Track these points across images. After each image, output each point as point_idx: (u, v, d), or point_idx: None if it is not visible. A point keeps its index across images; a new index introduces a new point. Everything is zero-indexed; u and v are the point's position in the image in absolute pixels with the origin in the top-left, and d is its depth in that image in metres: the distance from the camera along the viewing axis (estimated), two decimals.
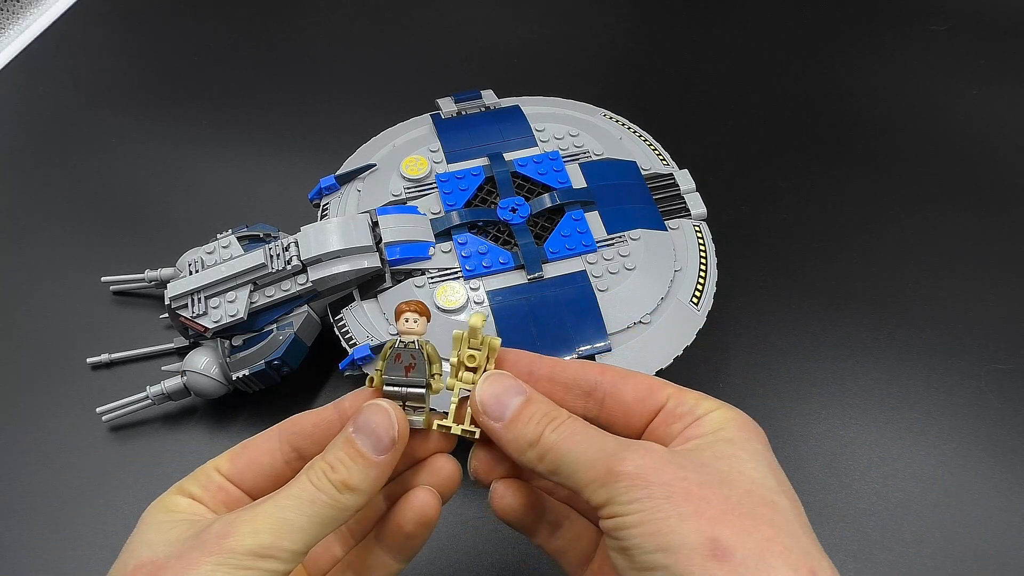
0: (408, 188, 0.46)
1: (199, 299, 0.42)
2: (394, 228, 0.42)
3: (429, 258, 0.42)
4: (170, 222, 0.56)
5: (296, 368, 0.43)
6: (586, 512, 0.30)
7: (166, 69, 0.67)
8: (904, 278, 0.52)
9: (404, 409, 0.27)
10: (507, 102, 0.51)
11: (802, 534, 0.23)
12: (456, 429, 0.28)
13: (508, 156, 0.47)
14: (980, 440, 0.45)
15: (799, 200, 0.56)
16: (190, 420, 0.46)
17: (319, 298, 0.43)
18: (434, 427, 0.28)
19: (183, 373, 0.43)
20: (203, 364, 0.43)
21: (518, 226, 0.43)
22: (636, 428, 0.27)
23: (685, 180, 0.47)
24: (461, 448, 0.29)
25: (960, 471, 0.44)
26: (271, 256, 0.42)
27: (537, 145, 0.48)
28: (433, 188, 0.45)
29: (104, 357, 0.48)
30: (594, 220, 0.44)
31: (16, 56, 0.68)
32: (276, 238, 0.46)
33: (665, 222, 0.45)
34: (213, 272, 0.42)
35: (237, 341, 0.43)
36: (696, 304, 0.42)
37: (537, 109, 0.50)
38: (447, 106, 0.50)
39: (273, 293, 0.42)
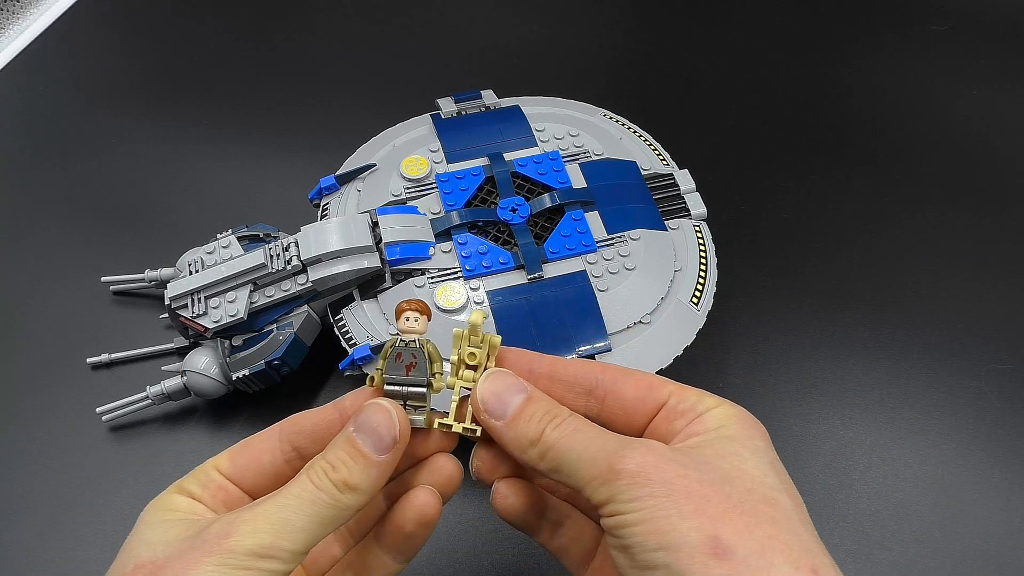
0: (408, 188, 0.46)
1: (199, 299, 0.42)
2: (394, 228, 0.42)
3: (429, 258, 0.42)
4: (170, 222, 0.56)
5: (296, 368, 0.43)
6: (587, 510, 0.30)
7: (166, 69, 0.67)
8: (904, 278, 0.52)
9: (405, 408, 0.27)
10: (507, 102, 0.51)
11: (804, 532, 0.23)
12: (457, 427, 0.28)
13: (508, 156, 0.47)
14: (980, 440, 0.45)
15: (799, 200, 0.56)
16: (190, 420, 0.46)
17: (319, 298, 0.43)
18: (435, 426, 0.28)
19: (183, 373, 0.43)
20: (203, 364, 0.43)
21: (518, 226, 0.43)
22: (637, 426, 0.27)
23: (685, 180, 0.47)
24: (462, 447, 0.29)
25: (960, 471, 0.44)
26: (271, 256, 0.42)
27: (537, 145, 0.48)
28: (433, 188, 0.45)
29: (104, 357, 0.48)
30: (594, 220, 0.44)
31: (16, 56, 0.68)
32: (276, 238, 0.46)
33: (665, 222, 0.45)
34: (213, 272, 0.42)
35: (237, 341, 0.43)
36: (696, 304, 0.42)
37: (537, 109, 0.50)
38: (447, 106, 0.50)
39: (273, 293, 0.42)
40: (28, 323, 0.51)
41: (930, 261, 0.53)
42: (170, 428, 0.46)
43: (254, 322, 0.43)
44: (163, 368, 0.47)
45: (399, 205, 0.45)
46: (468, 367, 0.28)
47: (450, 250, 0.42)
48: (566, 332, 0.40)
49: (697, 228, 0.45)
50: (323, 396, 0.47)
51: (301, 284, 0.42)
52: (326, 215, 0.46)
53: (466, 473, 0.29)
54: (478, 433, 0.28)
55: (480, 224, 0.44)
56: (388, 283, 0.42)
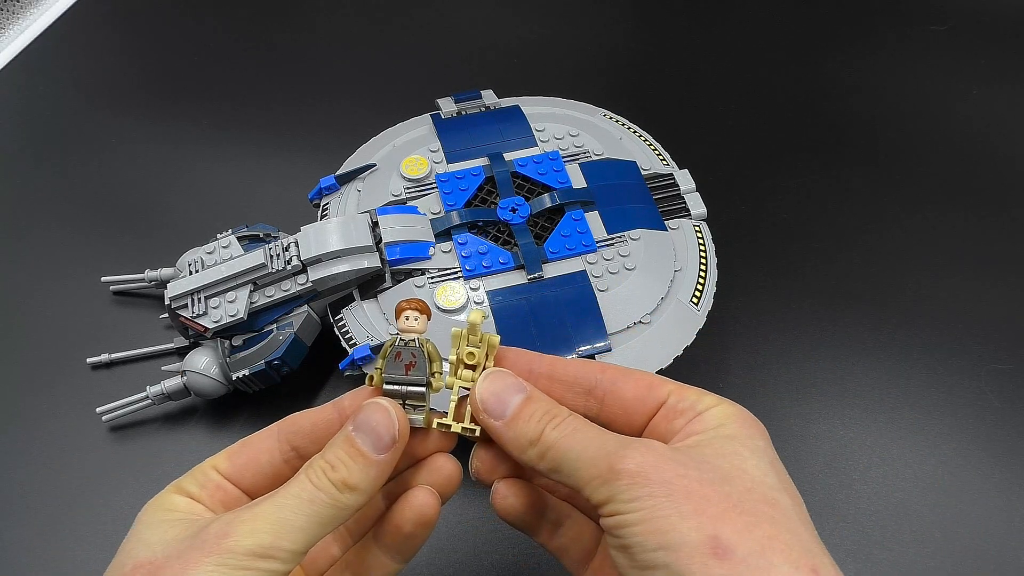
0: (408, 188, 0.46)
1: (199, 299, 0.42)
2: (394, 228, 0.42)
3: (429, 258, 0.42)
4: (170, 222, 0.56)
5: (296, 368, 0.43)
6: (587, 510, 0.30)
7: (166, 69, 0.67)
8: (904, 278, 0.52)
9: (404, 408, 0.27)
10: (507, 102, 0.51)
11: (804, 531, 0.23)
12: (456, 427, 0.28)
13: (508, 156, 0.47)
14: (980, 440, 0.45)
15: (799, 200, 0.56)
16: (190, 420, 0.46)
17: (319, 298, 0.43)
18: (434, 425, 0.28)
19: (183, 373, 0.43)
20: (203, 364, 0.43)
21: (518, 226, 0.43)
22: (637, 425, 0.27)
23: (685, 180, 0.47)
24: (462, 447, 0.29)
25: (960, 471, 0.44)
26: (271, 256, 0.42)
27: (537, 145, 0.48)
28: (433, 188, 0.45)
29: (104, 357, 0.48)
30: (594, 220, 0.44)
31: (16, 56, 0.68)
32: (276, 238, 0.46)
33: (665, 222, 0.45)
34: (213, 272, 0.42)
35: (237, 341, 0.43)
36: (696, 304, 0.42)
37: (537, 109, 0.50)
38: (447, 106, 0.50)
39: (273, 293, 0.42)
40: (28, 323, 0.51)
41: (930, 261, 0.53)
42: (170, 428, 0.46)
43: (254, 322, 0.43)
44: (163, 368, 0.47)
45: (399, 205, 0.45)
46: (467, 367, 0.28)
47: (450, 250, 0.42)
48: (566, 332, 0.40)
49: (697, 228, 0.45)
50: (323, 396, 0.47)
51: (301, 284, 0.42)
52: (326, 215, 0.46)
53: (466, 473, 0.29)
54: (477, 433, 0.28)
55: (480, 224, 0.44)
56: (388, 283, 0.42)
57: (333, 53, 0.68)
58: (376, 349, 0.39)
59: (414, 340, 0.28)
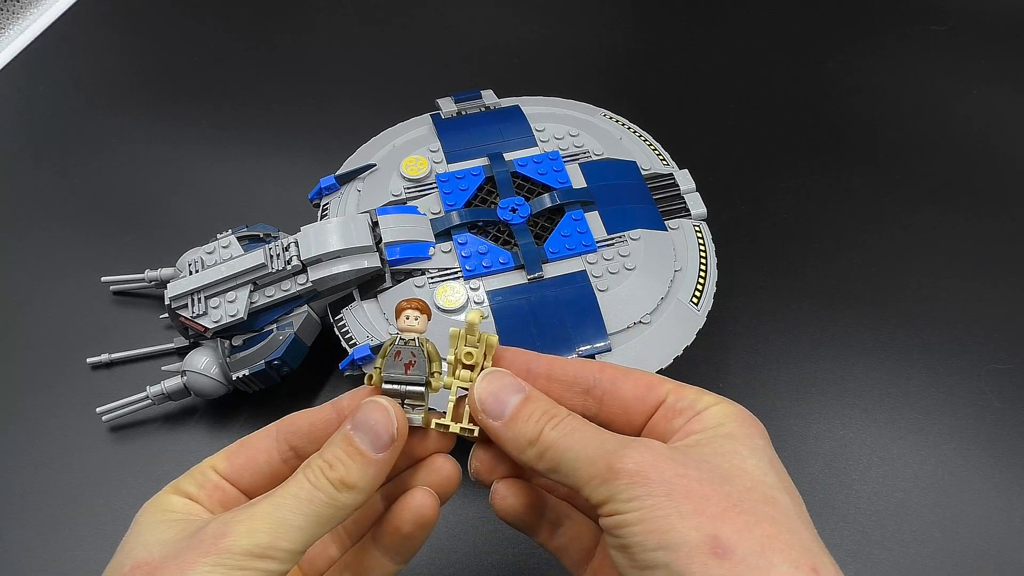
0: (408, 188, 0.45)
1: (199, 299, 0.42)
2: (394, 228, 0.42)
3: (429, 258, 0.42)
4: (170, 222, 0.56)
5: (296, 368, 0.43)
6: (586, 510, 0.30)
7: (166, 69, 0.67)
8: (904, 278, 0.52)
9: (403, 407, 0.27)
10: (507, 102, 0.51)
11: (804, 531, 0.22)
12: (454, 427, 0.28)
13: (508, 156, 0.47)
14: (980, 440, 0.45)
15: (799, 200, 0.56)
16: (190, 420, 0.46)
17: (319, 298, 0.43)
18: (432, 426, 0.28)
19: (183, 373, 0.43)
20: (203, 364, 0.43)
21: (518, 226, 0.43)
22: (636, 425, 0.27)
23: (685, 180, 0.47)
24: (461, 448, 0.29)
25: (960, 471, 0.44)
26: (271, 256, 0.42)
27: (537, 145, 0.47)
28: (433, 188, 0.45)
29: (104, 357, 0.48)
30: (594, 220, 0.44)
31: (16, 56, 0.68)
32: (276, 238, 0.46)
33: (665, 222, 0.45)
34: (213, 272, 0.42)
35: (237, 341, 0.43)
36: (696, 304, 0.42)
37: (537, 109, 0.50)
38: (447, 106, 0.50)
39: (273, 293, 0.42)
40: (28, 323, 0.51)
41: (930, 261, 0.53)
42: (170, 428, 0.46)
43: (254, 322, 0.43)
44: (163, 368, 0.47)
45: (399, 205, 0.45)
46: (465, 367, 0.28)
47: (450, 250, 0.42)
48: (566, 332, 0.40)
49: (697, 228, 0.45)
50: (323, 396, 0.47)
51: (301, 284, 0.42)
52: (326, 215, 0.46)
53: (465, 473, 0.29)
54: (476, 433, 0.28)
55: (480, 224, 0.44)
56: (388, 283, 0.42)
57: (333, 53, 0.68)
58: (376, 349, 0.39)
59: (414, 340, 0.28)
